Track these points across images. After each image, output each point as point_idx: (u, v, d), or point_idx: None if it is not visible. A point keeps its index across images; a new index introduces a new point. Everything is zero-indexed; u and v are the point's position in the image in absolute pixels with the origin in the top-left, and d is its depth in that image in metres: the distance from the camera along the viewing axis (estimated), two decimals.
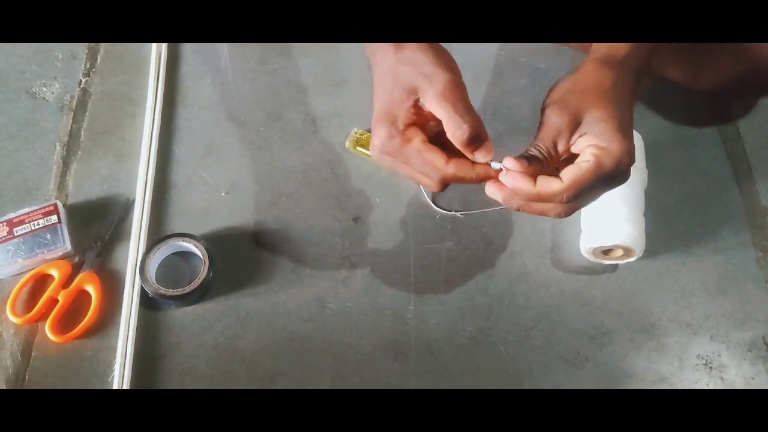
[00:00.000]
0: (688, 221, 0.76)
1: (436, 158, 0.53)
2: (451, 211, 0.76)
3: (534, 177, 0.53)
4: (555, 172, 0.54)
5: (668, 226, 0.75)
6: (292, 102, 0.85)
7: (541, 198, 0.53)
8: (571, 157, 0.55)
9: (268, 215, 0.77)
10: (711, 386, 0.68)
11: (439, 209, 0.76)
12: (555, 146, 0.54)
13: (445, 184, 0.55)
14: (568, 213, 0.56)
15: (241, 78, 0.87)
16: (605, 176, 0.53)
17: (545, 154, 0.54)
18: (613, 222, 0.69)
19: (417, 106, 0.54)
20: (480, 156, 0.54)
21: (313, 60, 0.88)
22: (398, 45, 0.56)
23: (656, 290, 0.72)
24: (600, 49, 0.59)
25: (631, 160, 0.54)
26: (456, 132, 0.53)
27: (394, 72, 0.55)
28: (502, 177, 0.54)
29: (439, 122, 0.54)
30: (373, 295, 0.72)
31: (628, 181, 0.70)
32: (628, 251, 0.70)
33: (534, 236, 0.75)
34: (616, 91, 0.56)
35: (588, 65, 0.57)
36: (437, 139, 0.55)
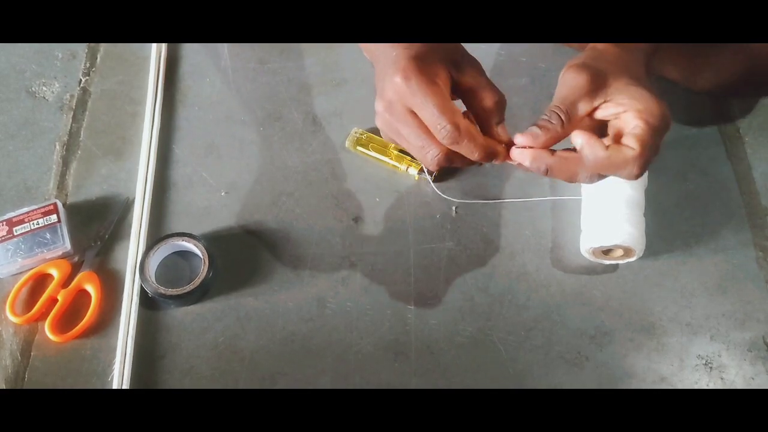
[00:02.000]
0: (689, 221, 0.76)
1: (455, 108, 0.52)
2: (455, 201, 0.76)
3: (548, 146, 0.53)
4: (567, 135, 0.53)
5: (668, 226, 0.75)
6: (293, 102, 0.85)
7: (611, 165, 0.52)
8: (591, 124, 0.54)
9: (268, 215, 0.77)
10: (711, 386, 0.67)
11: (438, 191, 0.76)
12: (575, 108, 0.53)
13: (450, 145, 0.53)
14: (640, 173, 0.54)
15: (242, 78, 0.87)
16: (658, 134, 0.52)
17: (563, 118, 0.53)
18: (613, 222, 0.69)
19: (447, 69, 0.54)
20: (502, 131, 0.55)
21: (313, 60, 0.88)
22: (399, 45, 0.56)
23: (656, 290, 0.72)
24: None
25: (669, 122, 0.53)
26: (437, 132, 0.52)
27: (432, 47, 0.54)
28: (518, 151, 0.54)
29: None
30: (373, 294, 0.72)
31: (627, 180, 0.71)
32: (628, 251, 0.70)
33: (534, 236, 0.75)
34: (636, 68, 0.56)
35: (609, 46, 0.56)
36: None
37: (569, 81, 0.54)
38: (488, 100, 0.55)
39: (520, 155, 0.54)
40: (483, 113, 0.55)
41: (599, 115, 0.54)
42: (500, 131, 0.55)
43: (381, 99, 0.55)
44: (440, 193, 0.76)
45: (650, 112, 0.52)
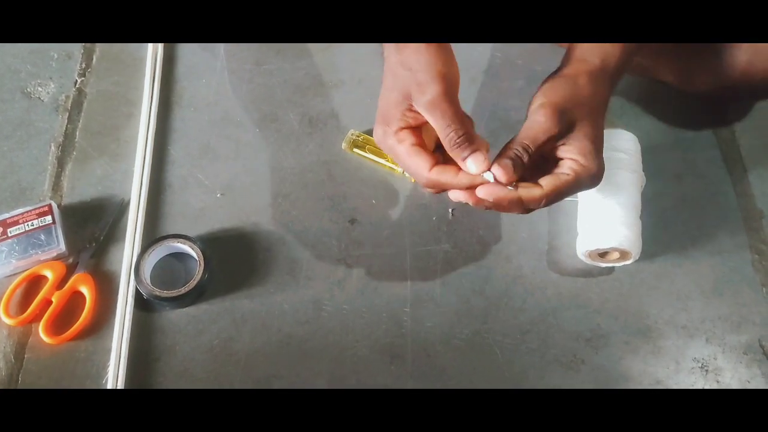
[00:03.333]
0: (684, 224, 0.76)
1: (421, 163, 0.56)
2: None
3: (516, 179, 0.56)
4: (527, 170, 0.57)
5: (664, 229, 0.75)
6: (289, 103, 0.85)
7: (521, 203, 0.56)
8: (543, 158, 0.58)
9: (264, 217, 0.77)
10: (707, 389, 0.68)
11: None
12: (541, 149, 0.56)
13: (429, 186, 0.58)
14: (530, 210, 0.59)
15: (238, 79, 0.87)
16: (578, 188, 0.57)
17: (531, 155, 0.56)
18: (609, 225, 0.69)
19: (412, 110, 0.57)
20: (472, 166, 0.55)
21: (309, 61, 0.88)
22: (399, 45, 0.58)
23: (652, 293, 0.72)
24: (593, 58, 0.60)
25: (602, 173, 0.58)
26: (444, 137, 0.55)
27: (393, 73, 0.57)
28: (485, 187, 0.56)
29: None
30: (369, 297, 0.72)
31: (624, 183, 0.71)
32: (624, 254, 0.70)
33: (530, 239, 0.75)
34: (603, 109, 0.59)
35: (584, 77, 0.59)
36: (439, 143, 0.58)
37: (542, 124, 0.56)
38: (442, 140, 0.56)
39: (464, 198, 0.57)
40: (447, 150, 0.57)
41: (557, 153, 0.58)
42: (470, 167, 0.56)
43: (374, 132, 0.59)
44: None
45: (588, 171, 0.56)
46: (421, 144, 0.57)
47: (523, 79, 0.86)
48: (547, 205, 0.57)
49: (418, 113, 0.57)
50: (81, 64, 0.88)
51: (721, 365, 0.69)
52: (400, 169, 0.78)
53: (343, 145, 0.80)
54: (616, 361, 0.69)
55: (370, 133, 0.80)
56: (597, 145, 0.57)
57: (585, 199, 0.72)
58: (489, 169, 0.55)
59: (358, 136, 0.80)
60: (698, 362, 0.69)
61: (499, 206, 0.57)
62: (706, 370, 0.69)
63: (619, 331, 0.70)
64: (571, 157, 0.57)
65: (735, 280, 0.73)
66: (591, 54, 0.60)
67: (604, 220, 0.69)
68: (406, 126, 0.57)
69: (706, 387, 0.68)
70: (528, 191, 0.56)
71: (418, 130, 0.58)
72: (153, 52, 0.87)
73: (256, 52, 0.89)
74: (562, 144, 0.57)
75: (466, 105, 0.83)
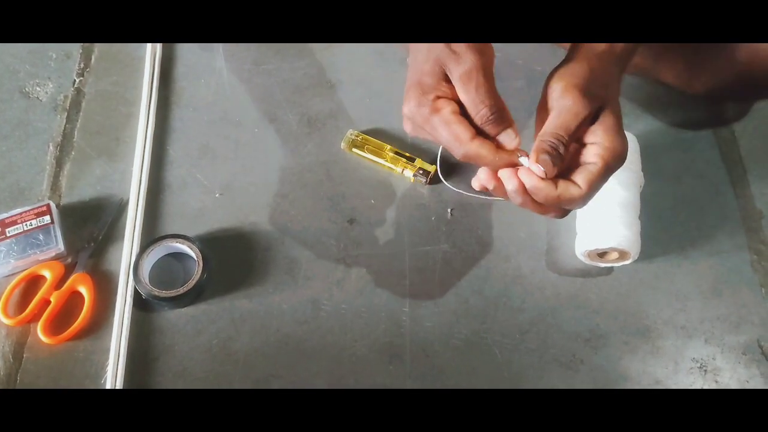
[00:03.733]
0: (684, 224, 0.76)
1: (462, 131, 0.53)
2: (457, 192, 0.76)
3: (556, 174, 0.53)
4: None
5: (663, 229, 0.75)
6: (288, 103, 0.85)
7: (560, 201, 0.53)
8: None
9: (263, 217, 0.77)
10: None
11: (448, 185, 0.75)
12: (575, 136, 0.54)
13: (466, 158, 0.54)
14: (566, 214, 0.56)
15: (236, 79, 0.87)
16: (610, 173, 0.54)
17: (566, 145, 0.53)
18: (608, 225, 0.69)
19: (447, 81, 0.55)
20: (505, 139, 0.54)
21: (308, 61, 0.88)
22: None
23: (651, 293, 0.72)
24: (599, 44, 0.58)
25: (626, 154, 0.55)
26: (475, 113, 0.53)
27: (429, 49, 0.55)
28: (524, 173, 0.53)
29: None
30: (368, 297, 0.72)
31: (624, 183, 0.71)
32: (623, 254, 0.70)
33: (529, 238, 0.75)
34: (618, 87, 0.57)
35: (594, 59, 0.56)
36: (467, 115, 0.55)
37: (571, 108, 0.53)
38: (473, 114, 0.54)
39: (507, 179, 0.54)
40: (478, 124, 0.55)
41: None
42: (503, 140, 0.54)
43: (405, 103, 0.55)
44: (451, 186, 0.76)
45: (612, 151, 0.53)
46: (460, 112, 0.54)
47: (523, 79, 0.86)
48: (585, 204, 0.54)
49: (452, 86, 0.54)
50: (80, 63, 0.88)
51: (720, 365, 0.69)
52: (399, 169, 0.78)
53: (342, 145, 0.80)
54: (615, 361, 0.69)
55: (369, 133, 0.80)
56: (620, 124, 0.54)
57: None
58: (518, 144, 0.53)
59: (357, 136, 0.80)
60: (697, 362, 0.69)
61: (535, 203, 0.54)
62: (705, 371, 0.69)
63: (618, 331, 0.70)
64: (593, 141, 0.54)
65: (734, 281, 0.73)
66: (597, 43, 0.58)
67: (603, 220, 0.69)
68: (442, 95, 0.54)
69: (705, 387, 0.68)
70: (567, 189, 0.53)
71: (455, 100, 0.54)
72: (152, 51, 0.87)
73: (255, 52, 0.89)
74: (588, 130, 0.54)
75: None
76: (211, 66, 0.88)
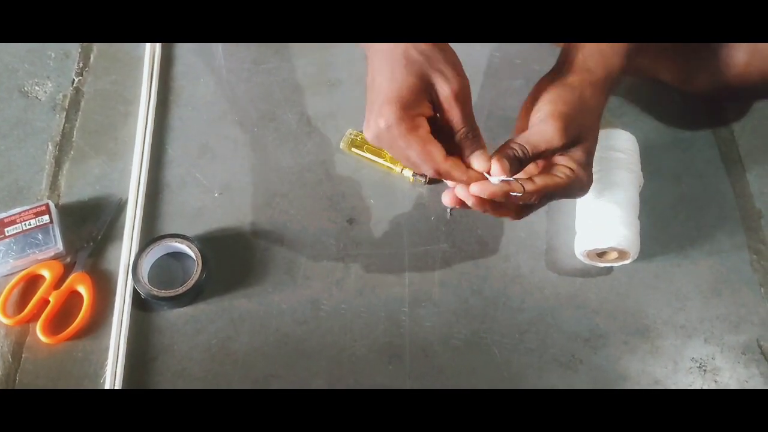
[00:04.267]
0: (683, 223, 0.76)
1: (437, 151, 0.54)
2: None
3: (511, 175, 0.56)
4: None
5: (663, 229, 0.75)
6: (287, 102, 0.85)
7: (512, 195, 0.56)
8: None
9: (262, 216, 0.77)
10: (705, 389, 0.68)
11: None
12: (538, 157, 0.56)
13: (437, 174, 0.56)
14: (521, 215, 0.60)
15: (236, 78, 0.87)
16: (567, 194, 0.58)
17: (528, 158, 0.56)
18: (607, 224, 0.69)
19: (428, 99, 0.55)
20: (477, 161, 0.56)
21: (308, 60, 0.88)
22: None
23: (651, 293, 0.72)
24: (598, 69, 0.60)
25: (588, 189, 0.60)
26: (458, 131, 0.55)
27: (407, 57, 0.55)
28: (479, 184, 0.55)
29: (436, 119, 0.56)
30: (367, 297, 0.72)
31: (623, 183, 0.71)
32: (622, 254, 0.70)
33: (529, 238, 0.75)
34: (600, 120, 0.60)
35: (589, 89, 0.59)
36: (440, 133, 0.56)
37: (547, 135, 0.56)
38: (459, 134, 0.56)
39: (465, 197, 0.56)
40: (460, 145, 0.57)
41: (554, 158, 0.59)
42: (475, 162, 0.56)
43: (379, 116, 0.55)
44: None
45: (578, 180, 0.57)
46: (433, 132, 0.55)
47: (522, 78, 0.86)
48: (537, 202, 0.57)
49: (430, 105, 0.55)
50: (78, 63, 0.88)
51: (720, 365, 0.69)
52: (398, 169, 0.78)
53: (342, 145, 0.80)
54: (614, 361, 0.69)
55: None
56: (590, 158, 0.59)
57: (583, 198, 0.72)
58: (486, 171, 0.55)
59: (356, 136, 0.80)
60: (696, 362, 0.69)
61: (494, 205, 0.57)
62: (705, 370, 0.69)
63: (618, 331, 0.70)
64: (565, 164, 0.57)
65: (733, 280, 0.73)
66: (595, 64, 0.60)
67: (602, 220, 0.69)
68: (422, 114, 0.55)
69: (705, 387, 0.68)
70: (519, 185, 0.56)
71: (431, 119, 0.56)
72: (151, 51, 0.87)
73: (255, 52, 0.89)
74: (560, 153, 0.58)
75: None
76: (211, 65, 0.87)
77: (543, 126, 0.56)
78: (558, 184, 0.56)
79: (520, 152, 0.55)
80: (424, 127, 0.55)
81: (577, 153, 0.57)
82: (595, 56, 0.60)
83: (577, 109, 0.57)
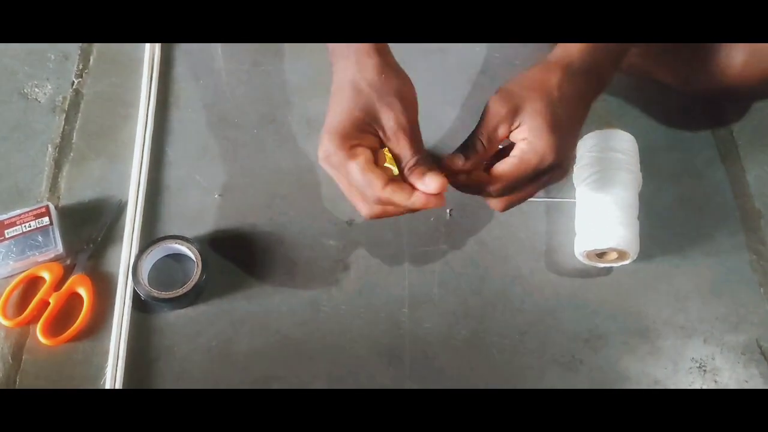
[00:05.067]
0: (683, 224, 0.76)
1: (376, 179, 0.54)
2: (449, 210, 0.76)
3: (473, 168, 0.57)
4: (495, 158, 0.58)
5: (662, 229, 0.75)
6: (286, 104, 0.85)
7: (470, 186, 0.57)
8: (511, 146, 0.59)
9: (262, 218, 0.77)
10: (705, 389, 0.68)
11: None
12: (495, 133, 0.57)
13: (377, 207, 0.57)
14: (503, 207, 0.60)
15: (235, 80, 0.87)
16: (531, 171, 0.56)
17: (485, 143, 0.57)
18: (607, 225, 0.69)
19: (369, 131, 0.56)
20: (422, 184, 0.55)
21: (307, 62, 0.88)
22: (360, 60, 0.57)
23: (650, 293, 0.72)
24: (554, 53, 0.60)
25: (558, 157, 0.56)
26: (407, 163, 0.55)
27: (355, 88, 0.56)
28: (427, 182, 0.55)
29: (380, 147, 0.57)
30: (367, 298, 0.72)
31: (622, 183, 0.71)
32: (622, 254, 0.70)
33: (528, 239, 0.75)
34: (559, 91, 0.57)
35: (536, 66, 0.59)
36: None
37: (489, 109, 0.57)
38: (404, 163, 0.56)
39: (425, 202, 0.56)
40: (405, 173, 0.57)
41: (512, 137, 0.58)
42: (429, 183, 0.56)
43: (321, 145, 0.56)
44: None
45: (532, 148, 0.56)
46: (374, 161, 0.56)
47: None
48: (502, 193, 0.58)
49: (371, 136, 0.56)
50: (78, 65, 0.88)
51: (719, 365, 0.69)
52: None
53: None
54: (614, 362, 0.69)
55: None
56: (546, 120, 0.55)
57: (583, 199, 0.72)
58: (443, 190, 0.55)
59: None
60: (696, 362, 0.69)
61: (462, 186, 0.59)
62: (704, 370, 0.69)
63: (618, 332, 0.70)
64: (521, 137, 0.57)
65: (733, 281, 0.73)
66: (553, 53, 0.60)
67: (601, 221, 0.69)
68: (360, 143, 0.56)
69: (704, 387, 0.68)
70: (476, 175, 0.57)
71: (371, 149, 0.57)
72: (150, 53, 0.87)
73: (254, 53, 0.89)
74: (518, 126, 0.57)
75: (464, 105, 0.84)
76: (210, 67, 0.88)
77: (485, 107, 0.57)
78: (512, 164, 0.56)
79: (472, 140, 0.56)
80: (364, 155, 0.55)
81: (531, 121, 0.56)
82: (587, 61, 0.59)
83: (515, 81, 0.58)
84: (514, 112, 0.56)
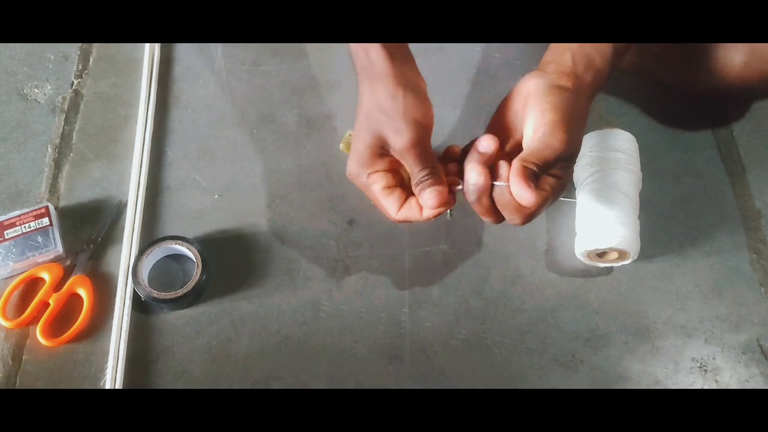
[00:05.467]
0: (683, 223, 0.76)
1: (390, 205, 0.60)
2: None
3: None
4: None
5: (663, 229, 0.75)
6: (286, 104, 0.85)
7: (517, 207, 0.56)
8: None
9: (262, 218, 0.77)
10: (706, 389, 0.67)
11: None
12: (548, 168, 0.56)
13: (398, 222, 0.61)
14: (524, 217, 0.58)
15: (235, 80, 0.87)
16: (553, 157, 0.55)
17: (541, 172, 0.56)
18: (607, 225, 0.69)
19: (385, 154, 0.59)
20: (428, 199, 0.57)
21: (307, 62, 0.88)
22: (373, 87, 0.59)
23: (651, 293, 0.72)
24: (587, 75, 0.60)
25: (570, 149, 0.56)
26: (414, 180, 0.58)
27: (368, 115, 0.59)
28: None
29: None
30: (367, 298, 0.72)
31: (623, 183, 0.71)
32: (622, 254, 0.70)
33: (529, 239, 0.75)
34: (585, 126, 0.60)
35: (582, 95, 0.59)
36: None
37: (556, 147, 0.55)
38: (413, 181, 0.59)
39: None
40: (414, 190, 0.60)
41: (526, 131, 0.59)
42: (427, 200, 0.58)
43: (348, 167, 0.61)
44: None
45: (563, 188, 0.58)
46: (391, 186, 0.60)
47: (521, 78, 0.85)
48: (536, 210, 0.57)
49: (387, 159, 0.59)
50: (78, 65, 0.88)
51: (720, 365, 0.69)
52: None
53: (341, 146, 0.80)
54: (615, 361, 0.69)
55: None
56: (564, 118, 0.56)
57: (583, 199, 0.72)
58: (442, 206, 0.57)
59: None
60: (697, 362, 0.69)
61: (493, 210, 0.58)
62: (705, 370, 0.69)
63: (618, 331, 0.70)
64: (556, 173, 0.57)
65: (733, 280, 0.73)
66: (584, 70, 0.59)
67: (602, 221, 0.69)
68: (377, 170, 0.60)
69: (705, 387, 0.68)
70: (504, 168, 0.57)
71: (390, 171, 0.60)
72: (150, 53, 0.87)
73: (254, 53, 0.89)
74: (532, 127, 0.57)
75: (464, 105, 0.84)
76: (210, 67, 0.88)
77: (550, 139, 0.55)
78: (545, 197, 0.56)
79: (535, 168, 0.55)
80: (380, 183, 0.60)
81: (543, 115, 0.56)
82: (583, 62, 0.59)
83: (575, 118, 0.57)
84: (571, 156, 0.57)
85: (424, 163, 0.57)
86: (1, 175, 0.79)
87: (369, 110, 0.59)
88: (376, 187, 0.60)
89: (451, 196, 0.58)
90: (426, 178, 0.57)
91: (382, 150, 0.59)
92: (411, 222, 0.60)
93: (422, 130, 0.58)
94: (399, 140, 0.57)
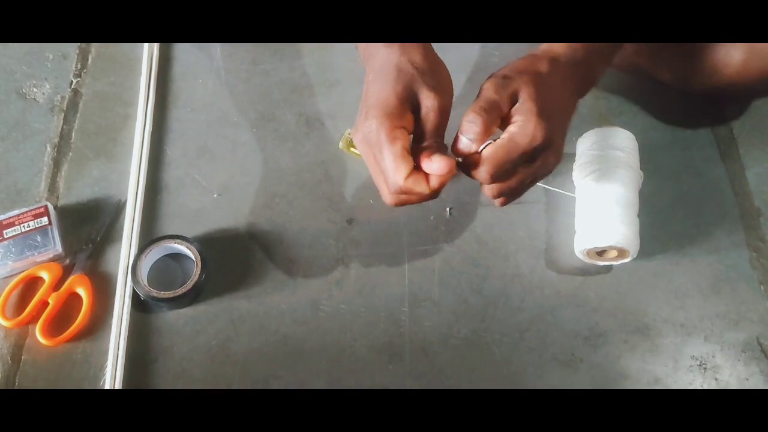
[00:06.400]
0: (682, 222, 0.76)
1: (402, 168, 0.55)
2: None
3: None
4: None
5: (662, 227, 0.75)
6: (286, 103, 0.85)
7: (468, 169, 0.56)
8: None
9: (261, 217, 0.77)
10: (705, 387, 0.67)
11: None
12: (497, 107, 0.56)
13: (397, 195, 0.57)
14: (496, 194, 0.58)
15: (234, 79, 0.87)
16: (520, 152, 0.55)
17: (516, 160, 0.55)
18: (607, 223, 0.69)
19: (411, 108, 0.56)
20: (431, 164, 0.55)
21: (306, 61, 0.88)
22: (405, 46, 0.57)
23: (650, 291, 0.72)
24: (540, 47, 0.61)
25: (547, 137, 0.55)
26: (427, 144, 0.56)
27: (399, 68, 0.56)
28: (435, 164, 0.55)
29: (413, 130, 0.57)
30: (367, 297, 0.72)
31: (622, 181, 0.71)
32: (622, 252, 0.70)
33: (528, 237, 0.75)
34: (547, 78, 0.58)
35: (525, 58, 0.59)
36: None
37: (485, 91, 0.56)
38: (424, 144, 0.57)
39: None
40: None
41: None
42: (438, 163, 0.56)
43: (364, 119, 0.56)
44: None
45: (522, 129, 0.55)
46: (407, 148, 0.56)
47: None
48: (494, 177, 0.56)
49: (412, 117, 0.56)
50: (76, 64, 0.88)
51: (720, 363, 0.69)
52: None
53: (340, 145, 0.80)
54: (614, 360, 0.69)
55: None
56: (537, 106, 0.55)
57: (582, 196, 0.72)
58: (452, 173, 0.55)
59: None
60: (697, 360, 0.69)
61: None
62: (705, 368, 0.69)
63: (618, 330, 0.70)
64: (513, 120, 0.56)
65: (733, 278, 0.73)
66: (539, 47, 0.61)
67: (601, 219, 0.69)
68: (404, 125, 0.56)
69: (705, 385, 0.68)
70: (472, 157, 0.56)
71: (409, 132, 0.57)
72: (149, 52, 0.87)
73: (253, 52, 0.89)
74: (513, 107, 0.56)
75: (464, 105, 0.83)
76: (209, 66, 0.87)
77: (527, 127, 0.55)
78: (501, 144, 0.55)
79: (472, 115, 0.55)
80: (403, 141, 0.55)
81: (522, 105, 0.55)
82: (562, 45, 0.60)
83: (507, 68, 0.58)
84: (511, 95, 0.56)
85: (440, 131, 0.56)
86: (0, 174, 0.79)
87: (400, 65, 0.56)
88: (398, 144, 0.55)
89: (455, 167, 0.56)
90: (436, 144, 0.56)
91: (409, 105, 0.56)
92: (411, 198, 0.57)
93: (449, 99, 0.57)
94: (433, 97, 0.55)
